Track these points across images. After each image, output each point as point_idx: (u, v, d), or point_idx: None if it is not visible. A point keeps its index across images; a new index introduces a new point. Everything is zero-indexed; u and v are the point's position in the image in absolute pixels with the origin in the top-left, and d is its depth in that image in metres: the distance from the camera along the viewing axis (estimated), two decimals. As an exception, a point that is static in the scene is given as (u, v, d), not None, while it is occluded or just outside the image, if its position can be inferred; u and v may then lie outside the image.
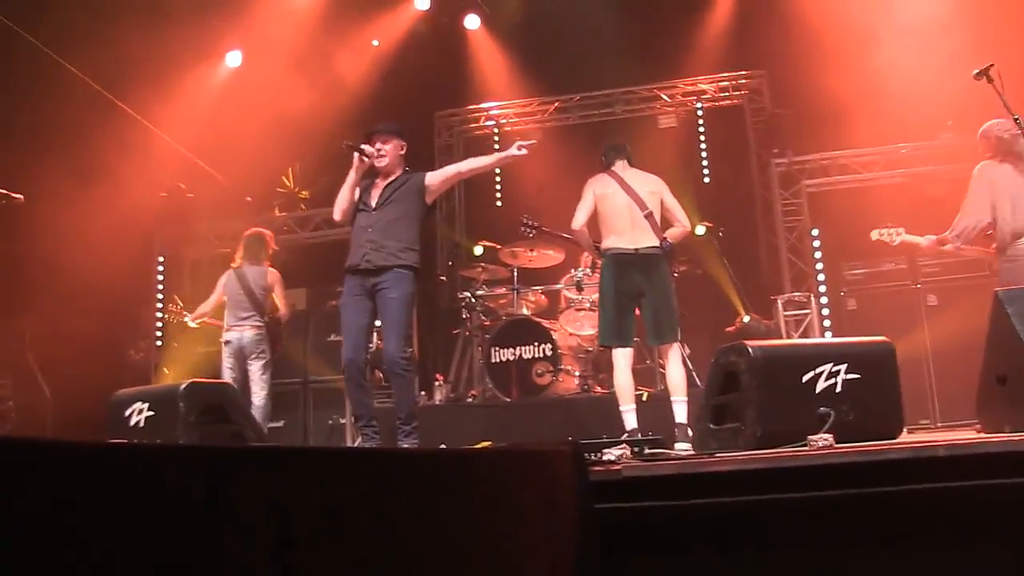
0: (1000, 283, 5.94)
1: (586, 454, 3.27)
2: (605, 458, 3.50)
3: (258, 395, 7.71)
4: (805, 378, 4.05)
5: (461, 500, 2.49)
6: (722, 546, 3.05)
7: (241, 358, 7.75)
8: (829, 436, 3.47)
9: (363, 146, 6.11)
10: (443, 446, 6.07)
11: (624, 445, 3.61)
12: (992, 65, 5.44)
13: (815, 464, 3.09)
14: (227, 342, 7.79)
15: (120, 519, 1.14)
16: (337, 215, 6.25)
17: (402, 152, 6.29)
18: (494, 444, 3.91)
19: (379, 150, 6.16)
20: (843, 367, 4.07)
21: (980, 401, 4.56)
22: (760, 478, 3.05)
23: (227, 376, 7.63)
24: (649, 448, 4.00)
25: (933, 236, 6.37)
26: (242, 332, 7.76)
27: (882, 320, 8.38)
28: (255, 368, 7.76)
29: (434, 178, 6.23)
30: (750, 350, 4.07)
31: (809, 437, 3.50)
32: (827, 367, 4.05)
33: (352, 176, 6.15)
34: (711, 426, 4.39)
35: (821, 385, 4.02)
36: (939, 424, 8.30)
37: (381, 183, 6.21)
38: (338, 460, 2.09)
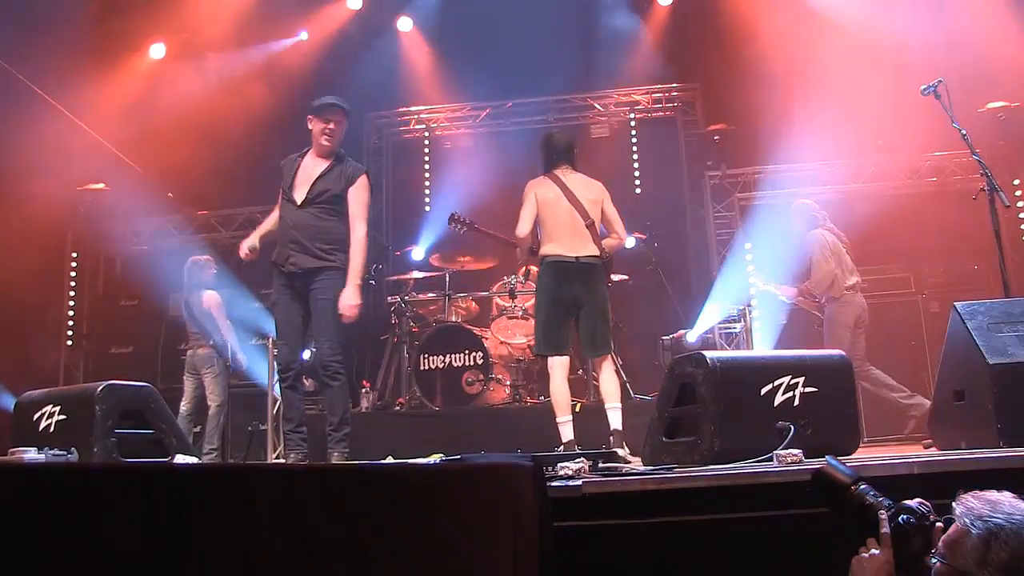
0: (829, 323, 7.63)
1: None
2: (562, 473, 3.31)
3: (210, 407, 8.18)
4: (763, 391, 3.93)
5: (431, 520, 2.29)
6: (690, 567, 2.90)
7: (195, 372, 8.29)
8: (798, 451, 3.35)
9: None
10: (390, 458, 5.79)
11: (582, 459, 3.43)
12: (941, 82, 5.48)
13: (786, 481, 2.97)
14: (184, 357, 8.47)
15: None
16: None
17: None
18: (444, 456, 3.71)
19: (332, 130, 5.85)
20: (801, 380, 3.96)
21: (934, 416, 4.50)
22: (731, 495, 2.92)
23: (186, 386, 8.30)
24: (603, 462, 3.84)
25: (794, 288, 7.93)
26: (194, 351, 8.34)
27: (810, 335, 8.40)
28: (207, 382, 8.24)
29: (353, 201, 5.86)
30: (709, 360, 3.93)
31: (776, 452, 3.37)
32: (785, 380, 3.93)
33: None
34: (664, 439, 4.24)
35: (779, 398, 3.91)
36: (866, 440, 8.31)
37: (312, 168, 5.85)
38: (317, 480, 1.89)
